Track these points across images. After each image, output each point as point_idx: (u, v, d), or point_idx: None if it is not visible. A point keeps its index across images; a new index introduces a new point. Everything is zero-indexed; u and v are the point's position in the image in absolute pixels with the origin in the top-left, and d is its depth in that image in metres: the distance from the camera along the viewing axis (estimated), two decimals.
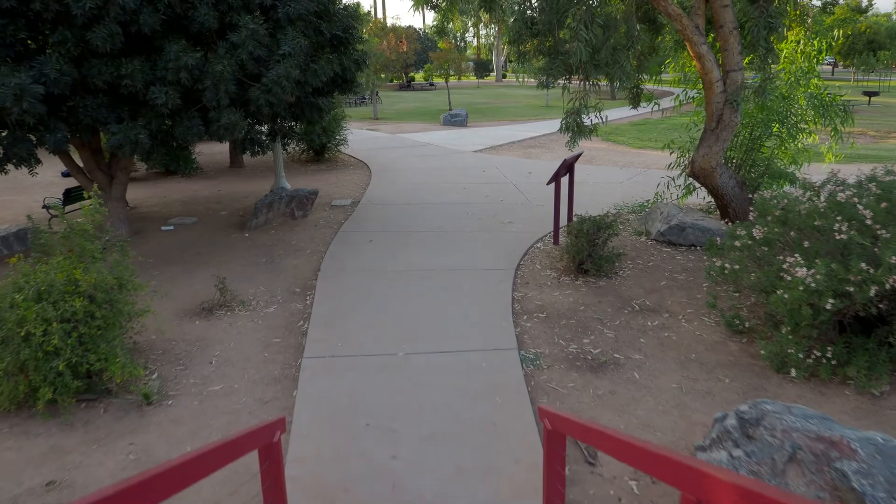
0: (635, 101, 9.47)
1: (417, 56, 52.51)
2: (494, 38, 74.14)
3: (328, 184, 14.92)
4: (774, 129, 10.03)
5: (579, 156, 9.94)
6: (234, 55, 7.77)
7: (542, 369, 5.81)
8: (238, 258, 9.29)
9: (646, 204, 11.73)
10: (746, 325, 6.33)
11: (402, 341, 6.27)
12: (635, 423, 4.93)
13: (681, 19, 8.10)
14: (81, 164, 10.10)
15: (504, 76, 75.92)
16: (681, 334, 6.51)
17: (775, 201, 6.46)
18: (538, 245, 9.74)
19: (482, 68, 71.58)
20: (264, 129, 10.29)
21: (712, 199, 10.93)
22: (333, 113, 18.46)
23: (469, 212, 11.72)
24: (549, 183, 9.53)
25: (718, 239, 6.72)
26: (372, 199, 12.93)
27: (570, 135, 7.95)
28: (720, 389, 5.41)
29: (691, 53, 8.32)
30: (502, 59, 73.40)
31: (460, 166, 16.85)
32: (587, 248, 8.08)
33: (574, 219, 8.46)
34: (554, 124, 27.28)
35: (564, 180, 10.12)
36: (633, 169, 16.53)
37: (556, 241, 9.74)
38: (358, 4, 28.97)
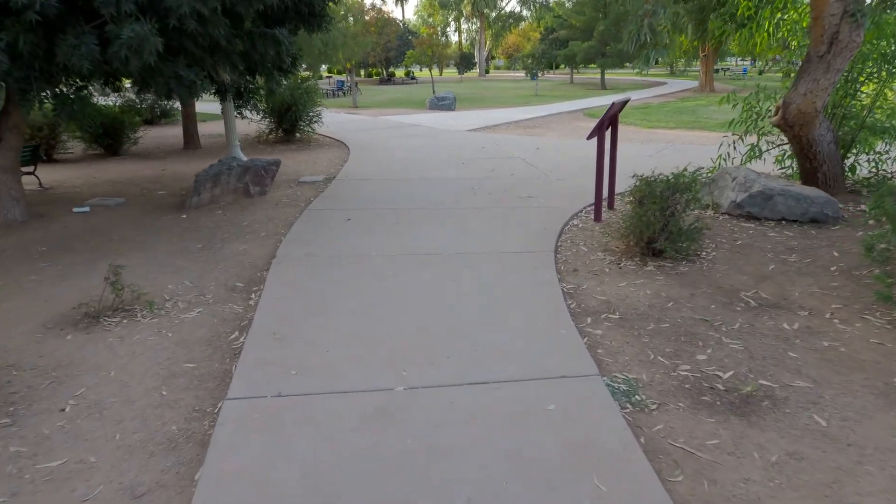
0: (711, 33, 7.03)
1: (398, 49, 50.07)
2: (477, 32, 71.74)
3: (297, 161, 12.32)
4: (866, 70, 7.65)
5: (626, 102, 7.52)
6: None
7: (647, 410, 3.32)
8: (164, 245, 6.68)
9: (698, 173, 9.28)
10: None
11: (400, 364, 3.74)
12: None
13: None
14: None
15: (487, 71, 73.48)
16: (849, 343, 4.05)
17: None
18: (574, 223, 7.26)
19: (465, 62, 69.23)
20: (206, 83, 7.60)
21: (787, 163, 8.58)
22: (306, 85, 15.90)
23: (474, 186, 9.21)
24: (589, 137, 7.06)
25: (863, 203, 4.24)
26: (351, 175, 10.37)
27: (637, 48, 5.45)
28: None
29: None
30: (485, 53, 70.95)
31: (455, 143, 14.34)
32: (661, 220, 5.61)
33: (634, 181, 6.02)
34: (550, 108, 24.91)
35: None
36: (656, 144, 14.17)
37: (598, 217, 7.26)
38: None
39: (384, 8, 34.57)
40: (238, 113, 10.24)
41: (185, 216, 7.97)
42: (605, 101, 27.56)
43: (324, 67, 59.68)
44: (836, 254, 5.83)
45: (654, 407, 3.34)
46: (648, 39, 5.23)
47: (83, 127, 13.04)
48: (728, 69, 62.58)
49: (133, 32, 5.25)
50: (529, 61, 42.78)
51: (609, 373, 3.68)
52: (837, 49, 6.08)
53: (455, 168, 10.84)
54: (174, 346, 4.15)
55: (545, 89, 38.53)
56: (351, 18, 28.03)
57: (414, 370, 3.65)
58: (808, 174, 7.65)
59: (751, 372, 3.70)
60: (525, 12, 70.97)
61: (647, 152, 12.64)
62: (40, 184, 10.24)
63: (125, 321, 4.59)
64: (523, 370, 3.62)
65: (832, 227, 6.74)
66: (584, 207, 7.88)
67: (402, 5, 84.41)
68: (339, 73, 55.77)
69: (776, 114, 6.97)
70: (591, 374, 3.57)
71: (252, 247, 6.49)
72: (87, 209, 8.49)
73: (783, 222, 6.95)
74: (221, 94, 9.11)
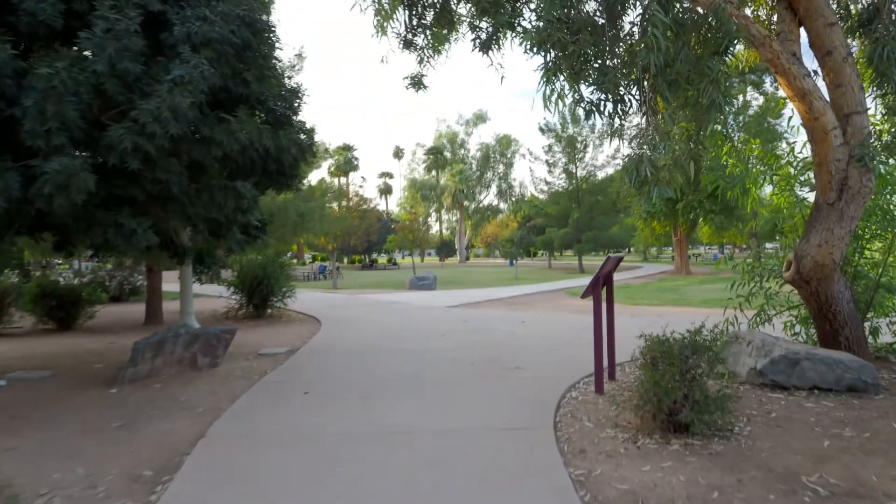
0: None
1: (380, 234, 51.52)
2: (457, 222, 75.05)
3: (262, 334, 11.29)
4: (872, 227, 7.22)
5: (621, 260, 6.86)
6: (85, 68, 4.73)
7: None
8: (73, 423, 5.44)
9: (717, 331, 8.41)
10: None
11: None
12: None
13: (770, 45, 5.54)
14: None
15: (467, 258, 75.63)
16: None
17: None
18: (572, 394, 6.19)
19: (446, 249, 71.43)
20: (150, 233, 6.77)
21: (797, 329, 7.79)
22: (279, 262, 15.39)
23: (456, 357, 8.20)
24: (583, 296, 6.28)
25: None
26: (318, 347, 9.33)
27: (637, 185, 4.85)
28: None
29: (789, 92, 5.66)
30: (465, 241, 73.59)
31: (435, 317, 13.55)
32: (683, 387, 4.60)
33: (643, 341, 5.13)
34: (531, 288, 24.70)
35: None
36: (646, 317, 13.50)
37: (599, 388, 6.22)
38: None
39: (366, 195, 35.94)
40: (196, 278, 9.45)
41: (114, 390, 6.77)
42: (586, 282, 27.59)
43: (308, 257, 61.12)
44: None
45: None
46: (649, 175, 4.76)
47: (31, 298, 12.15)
48: (699, 255, 65.10)
49: (60, 166, 4.56)
50: (509, 246, 43.91)
51: None
52: (849, 196, 5.59)
53: (435, 340, 9.89)
54: None
55: (524, 273, 38.98)
56: (334, 203, 28.76)
57: None
58: (829, 337, 6.81)
59: None
60: (502, 205, 74.89)
61: (639, 324, 11.86)
62: None
63: None
64: None
65: (874, 396, 5.75)
66: (582, 378, 6.84)
67: (385, 198, 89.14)
68: (324, 259, 56.82)
69: (788, 269, 6.31)
70: None
71: (181, 425, 5.26)
72: (4, 383, 7.26)
73: (815, 391, 5.95)
74: (179, 256, 8.40)
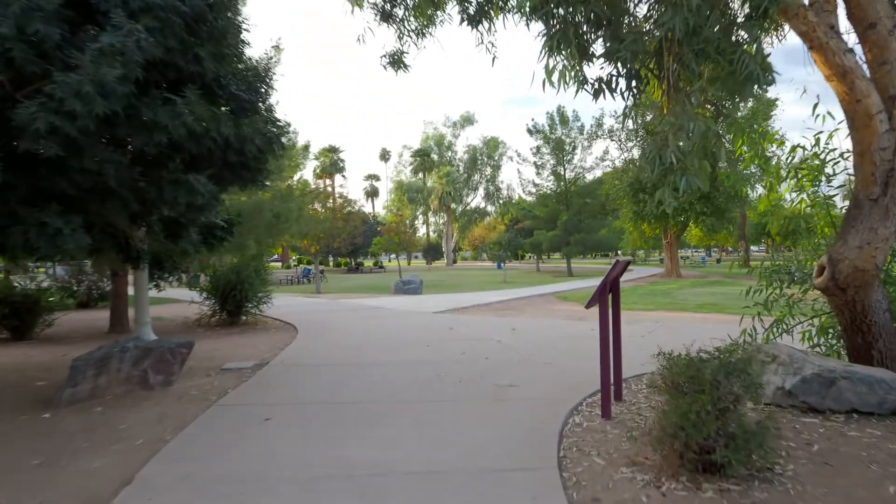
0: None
1: (365, 238, 50.52)
2: (444, 225, 74.16)
3: (232, 345, 10.38)
4: None
5: (628, 264, 6.08)
6: None
7: None
8: None
9: (752, 348, 7.63)
10: None
11: None
12: None
13: (804, 15, 4.78)
14: None
15: (455, 261, 74.72)
16: None
17: None
18: (576, 420, 5.37)
19: (433, 252, 70.54)
20: (80, 233, 5.81)
21: (818, 340, 7.05)
22: (254, 265, 14.43)
23: (440, 372, 7.36)
24: (588, 306, 5.48)
25: None
26: (289, 360, 8.44)
27: (660, 174, 4.05)
28: None
29: (826, 70, 4.89)
30: (452, 243, 72.69)
31: (420, 324, 12.69)
32: (715, 418, 3.80)
33: (660, 360, 4.32)
34: (520, 292, 23.93)
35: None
36: (643, 323, 12.73)
37: (606, 413, 5.40)
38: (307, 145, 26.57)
39: (351, 197, 35.09)
40: (154, 284, 8.54)
41: (48, 415, 5.87)
42: (575, 286, 26.90)
43: (294, 259, 59.96)
44: None
45: None
46: (675, 162, 4.10)
47: None
48: (687, 258, 64.84)
49: None
50: (497, 249, 43.05)
51: None
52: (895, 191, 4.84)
53: (418, 351, 9.04)
54: None
55: (513, 276, 38.23)
56: (317, 204, 27.81)
57: None
58: (860, 350, 6.05)
59: None
60: (490, 207, 74.14)
61: (638, 332, 11.10)
62: None
63: None
64: None
65: None
66: (584, 399, 6.03)
67: (372, 201, 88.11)
68: (309, 263, 55.72)
69: (819, 275, 5.54)
70: None
71: (111, 463, 4.38)
72: None
73: (854, 415, 5.19)
74: (132, 260, 7.50)
